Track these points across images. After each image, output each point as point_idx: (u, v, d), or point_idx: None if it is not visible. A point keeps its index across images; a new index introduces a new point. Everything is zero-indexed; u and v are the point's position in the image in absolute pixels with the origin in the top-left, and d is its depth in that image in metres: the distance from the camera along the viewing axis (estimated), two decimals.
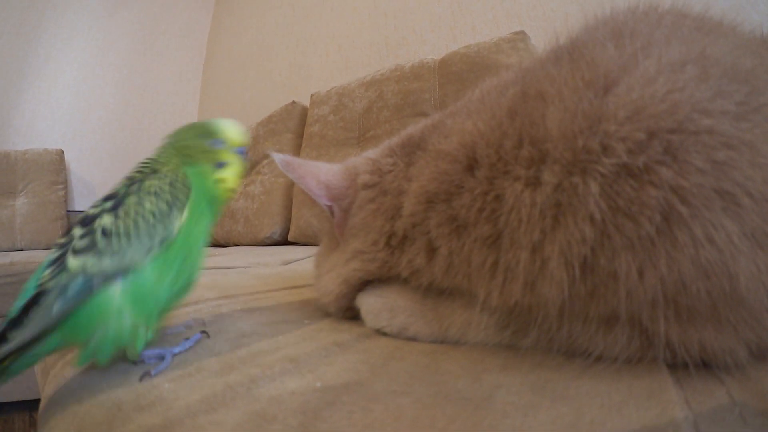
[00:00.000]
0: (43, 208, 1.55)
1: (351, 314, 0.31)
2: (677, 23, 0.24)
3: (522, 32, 1.00)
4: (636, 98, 0.19)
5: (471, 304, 0.23)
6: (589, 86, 0.20)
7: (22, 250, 1.46)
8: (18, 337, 0.20)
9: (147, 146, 2.02)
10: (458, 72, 1.02)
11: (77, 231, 0.24)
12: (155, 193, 0.24)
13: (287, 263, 0.72)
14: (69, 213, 1.66)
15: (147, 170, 0.27)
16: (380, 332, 0.28)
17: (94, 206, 0.25)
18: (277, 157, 0.30)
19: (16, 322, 0.21)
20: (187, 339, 0.27)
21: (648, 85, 0.19)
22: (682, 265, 0.17)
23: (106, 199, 0.25)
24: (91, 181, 1.85)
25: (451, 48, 1.11)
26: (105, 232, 0.23)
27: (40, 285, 0.22)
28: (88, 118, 1.85)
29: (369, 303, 0.28)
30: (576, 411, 0.17)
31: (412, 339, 0.27)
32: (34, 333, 0.20)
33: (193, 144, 0.28)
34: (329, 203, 0.31)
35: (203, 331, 0.28)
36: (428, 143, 0.26)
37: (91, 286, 0.22)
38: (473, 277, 0.22)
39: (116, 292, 0.22)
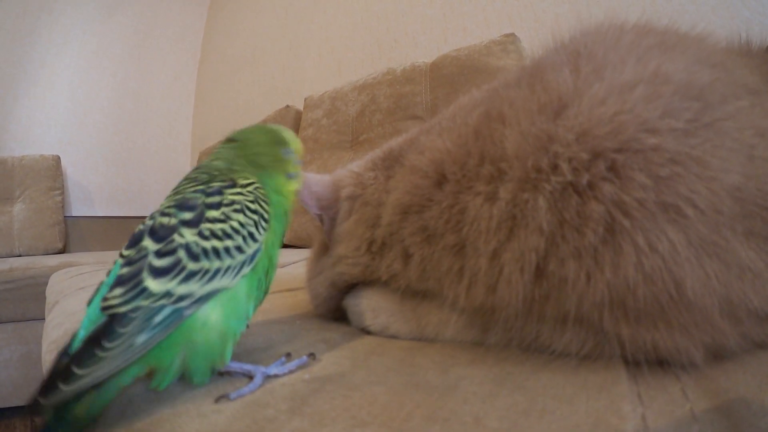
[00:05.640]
0: (40, 214, 1.56)
1: (339, 315, 0.33)
2: (636, 42, 0.25)
3: (512, 34, 1.01)
4: (583, 121, 0.21)
5: (444, 305, 0.26)
6: (542, 110, 0.22)
7: (20, 256, 1.47)
8: (93, 373, 0.18)
9: (142, 150, 2.03)
10: (449, 75, 1.04)
11: (150, 245, 0.21)
12: (242, 210, 0.23)
13: (283, 266, 0.75)
14: (66, 218, 1.67)
15: (217, 173, 0.25)
16: (365, 331, 0.31)
17: (165, 214, 0.22)
18: None
19: (84, 355, 0.18)
20: (284, 360, 0.25)
21: (596, 108, 0.21)
22: (627, 271, 0.19)
23: (179, 207, 0.22)
24: (87, 186, 1.86)
25: (443, 50, 1.13)
26: (191, 253, 0.20)
27: (110, 308, 0.19)
28: (84, 123, 1.86)
29: (354, 304, 0.31)
30: (530, 400, 0.19)
31: (393, 337, 0.29)
32: (114, 368, 0.18)
33: (266, 152, 0.27)
34: (319, 212, 0.33)
35: (311, 354, 0.25)
36: (405, 158, 0.28)
37: (180, 314, 0.20)
38: (443, 281, 0.24)
39: (207, 313, 0.21)
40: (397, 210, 0.26)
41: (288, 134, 0.28)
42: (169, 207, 0.22)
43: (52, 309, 0.63)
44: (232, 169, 0.25)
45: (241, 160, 0.26)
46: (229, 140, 0.28)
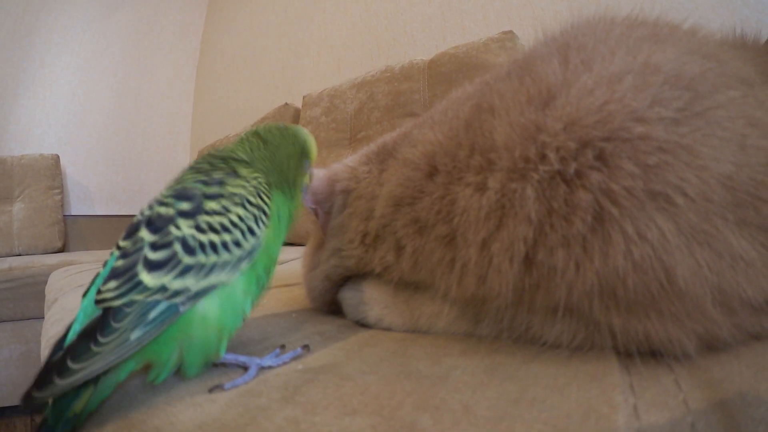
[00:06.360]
0: (40, 213, 1.56)
1: (334, 308, 0.33)
2: (626, 34, 0.25)
3: (510, 32, 1.01)
4: (571, 111, 0.21)
5: (436, 297, 0.26)
6: (530, 101, 0.22)
7: (19, 255, 1.47)
8: (87, 368, 0.17)
9: (142, 149, 2.04)
10: (447, 72, 1.04)
11: (146, 236, 0.20)
12: (242, 204, 0.22)
13: (281, 263, 0.75)
14: (65, 217, 1.67)
15: (222, 164, 0.24)
16: (359, 323, 0.31)
17: (163, 203, 0.21)
18: None
19: (78, 349, 0.18)
20: (278, 351, 0.24)
21: (584, 98, 0.21)
22: (616, 260, 0.18)
23: (177, 196, 0.22)
24: (87, 186, 1.86)
25: (441, 48, 1.13)
26: (187, 247, 0.20)
27: (104, 301, 0.19)
28: (84, 122, 1.86)
29: (348, 297, 0.31)
30: (521, 390, 0.19)
31: (387, 329, 0.29)
32: (109, 363, 0.18)
33: (294, 165, 0.26)
34: (314, 206, 0.34)
35: (305, 346, 0.25)
36: (398, 152, 0.29)
37: (176, 310, 0.19)
38: (435, 272, 0.24)
39: (205, 308, 0.20)
40: (390, 202, 0.26)
41: (312, 146, 0.27)
42: (167, 196, 0.22)
43: (51, 306, 0.64)
44: (250, 163, 0.25)
45: (268, 162, 0.26)
46: (257, 136, 0.26)
